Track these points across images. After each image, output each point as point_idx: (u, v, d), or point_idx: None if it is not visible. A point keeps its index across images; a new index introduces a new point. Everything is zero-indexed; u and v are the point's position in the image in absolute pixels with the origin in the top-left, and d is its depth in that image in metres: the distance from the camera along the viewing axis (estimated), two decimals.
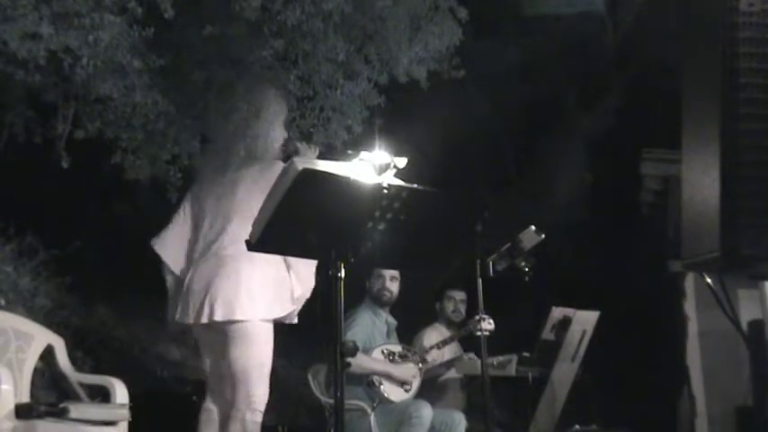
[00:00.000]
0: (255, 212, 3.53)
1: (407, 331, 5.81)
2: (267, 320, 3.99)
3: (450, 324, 6.00)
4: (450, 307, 6.02)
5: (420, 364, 5.37)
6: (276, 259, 3.98)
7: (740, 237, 2.73)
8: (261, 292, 3.95)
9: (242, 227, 3.79)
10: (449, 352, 5.91)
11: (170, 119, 5.30)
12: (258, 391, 3.94)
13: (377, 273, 5.41)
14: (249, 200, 3.93)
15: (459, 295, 6.05)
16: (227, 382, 3.98)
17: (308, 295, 4.11)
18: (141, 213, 7.59)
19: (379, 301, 5.40)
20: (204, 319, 3.94)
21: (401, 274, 5.44)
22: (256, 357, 3.94)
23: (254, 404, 3.92)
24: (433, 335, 5.86)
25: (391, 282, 5.40)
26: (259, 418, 3.93)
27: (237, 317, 3.90)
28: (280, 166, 3.88)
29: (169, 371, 7.35)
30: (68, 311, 6.12)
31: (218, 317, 3.92)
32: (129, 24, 4.66)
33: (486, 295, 4.54)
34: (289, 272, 4.03)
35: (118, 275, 7.45)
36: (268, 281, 3.98)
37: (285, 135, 4.27)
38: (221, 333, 3.99)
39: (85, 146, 5.38)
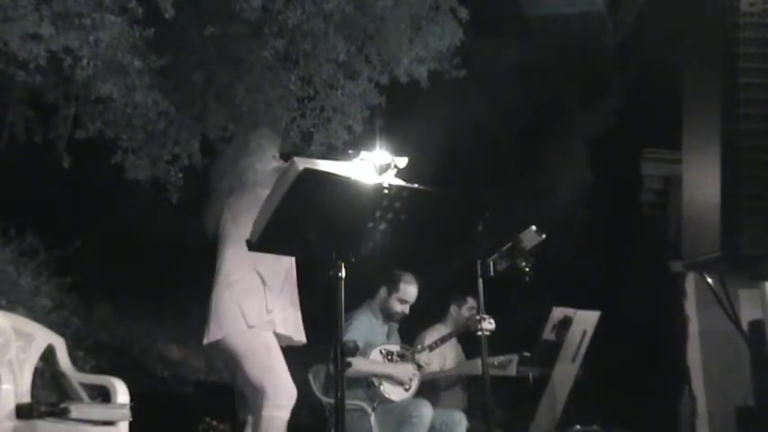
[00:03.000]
0: (227, 242, 4.05)
1: (407, 332, 5.80)
2: (252, 329, 4.06)
3: (459, 330, 5.95)
4: (467, 314, 5.97)
5: (416, 365, 5.34)
6: (250, 277, 4.08)
7: (741, 237, 2.74)
8: (231, 308, 4.07)
9: (220, 254, 4.18)
10: (450, 350, 5.91)
11: (170, 119, 5.30)
12: (277, 391, 4.00)
13: (401, 298, 5.37)
14: (224, 228, 4.23)
15: (476, 303, 6.03)
16: (253, 390, 4.08)
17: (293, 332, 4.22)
18: (141, 213, 7.59)
19: (387, 317, 5.40)
20: (205, 342, 4.18)
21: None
22: (259, 364, 4.03)
23: (275, 400, 3.99)
24: (435, 336, 5.85)
25: (407, 307, 5.41)
26: (279, 412, 4.02)
27: (215, 337, 4.06)
28: (251, 192, 4.04)
29: (169, 371, 7.35)
30: (69, 311, 6.11)
31: (204, 342, 4.18)
32: (130, 24, 4.66)
33: (486, 295, 4.54)
34: (264, 289, 4.12)
35: (118, 275, 7.45)
36: (239, 295, 4.07)
37: (276, 163, 4.29)
38: (222, 352, 4.22)
39: (86, 146, 5.38)
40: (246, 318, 4.09)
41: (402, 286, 5.34)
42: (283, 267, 4.18)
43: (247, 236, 4.00)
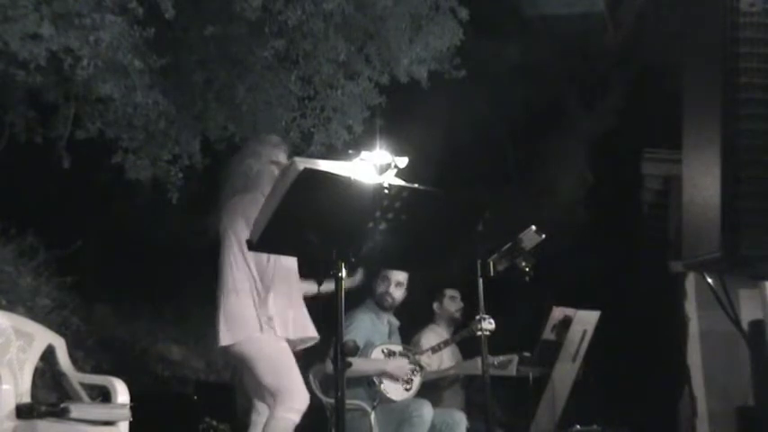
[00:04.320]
0: (227, 246, 4.08)
1: (405, 332, 5.80)
2: (264, 333, 4.06)
3: (451, 324, 5.99)
4: (453, 306, 6.01)
5: (417, 366, 5.34)
6: (252, 283, 4.10)
7: (741, 237, 2.73)
8: (240, 313, 4.07)
9: (220, 259, 4.17)
10: (447, 353, 5.90)
11: (171, 119, 5.31)
12: (293, 394, 4.01)
13: (383, 275, 5.37)
14: (224, 232, 4.19)
15: (457, 293, 6.06)
16: (265, 393, 4.12)
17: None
18: (141, 213, 7.59)
19: (380, 305, 5.39)
20: (218, 346, 4.16)
21: (408, 280, 5.44)
22: (273, 368, 4.04)
23: (291, 403, 4.00)
24: (432, 336, 5.84)
25: (396, 288, 5.38)
26: (292, 414, 4.03)
27: (226, 342, 4.09)
28: (251, 193, 4.06)
29: (169, 371, 7.35)
30: (69, 311, 6.11)
31: (218, 345, 4.15)
32: (130, 24, 4.66)
33: (486, 295, 4.54)
34: (268, 295, 4.13)
35: (118, 275, 7.45)
36: (246, 300, 4.07)
37: (279, 163, 4.28)
38: (231, 356, 4.24)
39: (86, 146, 5.39)
40: (257, 323, 4.08)
41: None
42: (276, 267, 4.17)
43: (245, 238, 4.04)
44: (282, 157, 4.31)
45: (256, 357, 4.07)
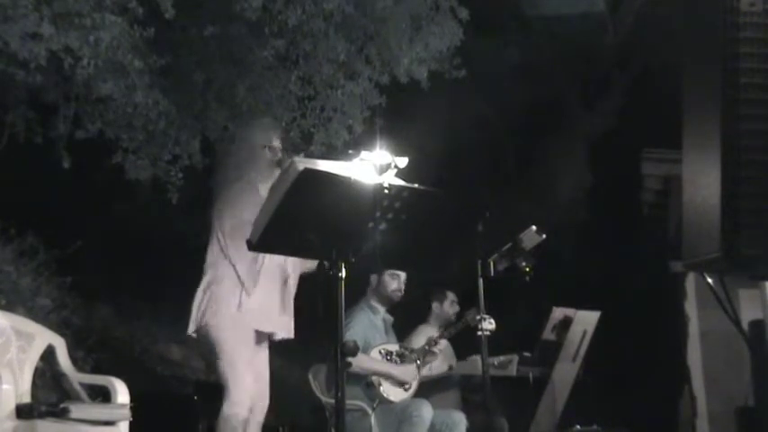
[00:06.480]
0: (211, 234, 4.13)
1: (401, 331, 5.80)
2: (228, 322, 4.08)
3: (447, 325, 5.97)
4: (452, 310, 6.00)
5: (419, 361, 5.35)
6: (227, 272, 4.11)
7: (741, 237, 2.73)
8: (208, 299, 4.10)
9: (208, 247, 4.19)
10: (441, 354, 5.89)
11: (171, 119, 5.30)
12: (235, 388, 4.03)
13: (393, 272, 5.39)
14: (211, 220, 4.21)
15: (456, 298, 6.05)
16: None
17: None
18: (141, 213, 7.59)
19: (389, 301, 5.40)
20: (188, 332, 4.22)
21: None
22: (226, 358, 4.07)
23: (232, 397, 4.02)
24: (422, 337, 5.83)
25: (403, 283, 5.43)
26: (235, 409, 4.03)
27: (190, 330, 4.18)
28: (239, 182, 4.07)
29: (169, 371, 7.36)
30: (69, 311, 6.12)
31: (188, 332, 4.21)
32: (130, 24, 4.66)
33: (486, 295, 4.54)
34: (239, 283, 4.12)
35: (118, 275, 7.46)
36: (215, 288, 4.10)
37: (272, 147, 4.27)
38: (202, 344, 4.29)
39: (86, 146, 5.39)
40: (227, 310, 4.10)
41: None
42: (259, 264, 4.16)
43: (231, 228, 4.05)
44: (275, 141, 4.29)
45: (216, 344, 4.09)
